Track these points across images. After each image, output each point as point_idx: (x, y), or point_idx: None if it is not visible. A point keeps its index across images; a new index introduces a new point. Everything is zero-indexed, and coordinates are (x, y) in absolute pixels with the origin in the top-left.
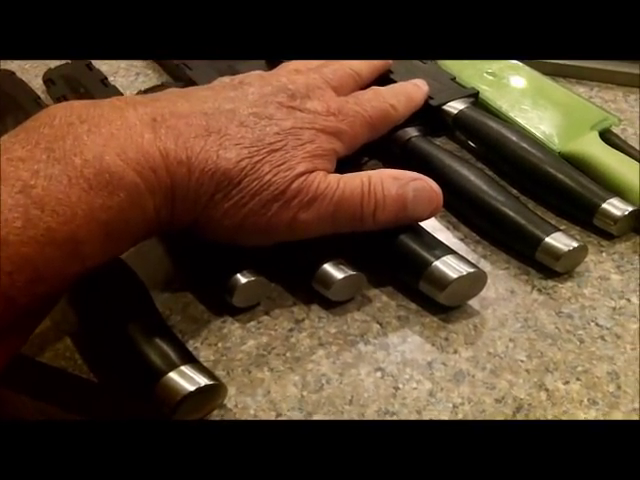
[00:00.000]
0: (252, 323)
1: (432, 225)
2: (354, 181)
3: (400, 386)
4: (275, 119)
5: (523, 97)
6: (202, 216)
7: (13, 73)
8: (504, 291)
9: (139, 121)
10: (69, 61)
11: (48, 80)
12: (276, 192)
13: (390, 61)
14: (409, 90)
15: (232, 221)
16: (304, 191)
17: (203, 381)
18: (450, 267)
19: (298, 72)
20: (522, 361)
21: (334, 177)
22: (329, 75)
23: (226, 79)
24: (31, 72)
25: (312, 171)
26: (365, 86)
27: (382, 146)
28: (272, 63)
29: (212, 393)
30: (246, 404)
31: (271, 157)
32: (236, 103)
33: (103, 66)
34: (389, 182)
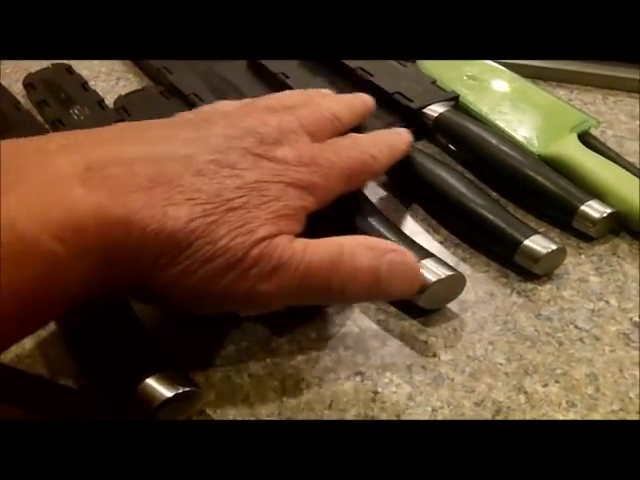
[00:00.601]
0: (231, 329)
1: (411, 228)
2: (323, 249)
3: (379, 390)
4: (238, 169)
5: (503, 100)
6: (142, 282)
7: None
8: (483, 294)
9: (69, 171)
10: (49, 65)
11: (28, 84)
12: (232, 259)
13: (373, 105)
14: (391, 139)
15: (178, 289)
16: (265, 259)
17: (181, 387)
18: (429, 270)
19: (271, 111)
20: (501, 364)
21: (300, 243)
22: (306, 118)
23: (190, 114)
24: (11, 76)
25: (276, 235)
26: (345, 132)
27: None
28: (253, 63)
29: (191, 399)
30: (225, 410)
31: (229, 217)
32: (195, 147)
33: (84, 70)
34: (362, 252)
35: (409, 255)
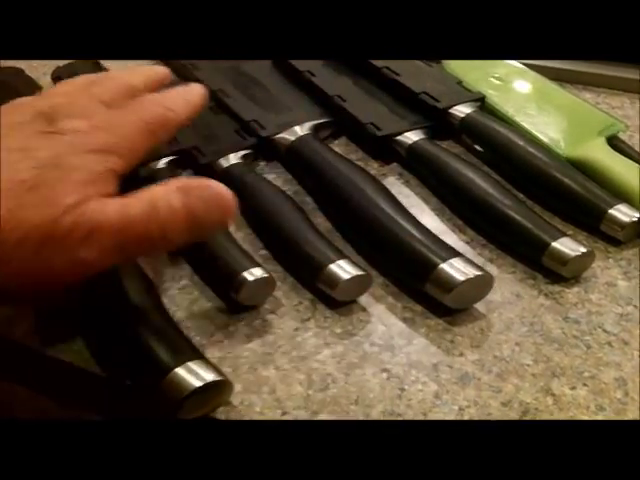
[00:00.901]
0: (258, 321)
1: (438, 228)
2: (137, 201)
3: (406, 387)
4: (30, 150)
5: (529, 102)
6: None
7: (22, 70)
8: (510, 295)
9: None
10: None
11: (57, 78)
12: (44, 236)
13: (167, 74)
14: (184, 92)
15: (2, 279)
16: (78, 226)
17: (210, 377)
18: (457, 269)
19: (63, 93)
20: (528, 365)
21: (113, 202)
22: (97, 91)
23: None
24: (39, 70)
25: (84, 201)
26: None
27: (386, 148)
28: (278, 62)
29: (218, 389)
30: (252, 402)
31: (31, 197)
32: None
33: (110, 64)
34: (173, 195)
35: (217, 185)
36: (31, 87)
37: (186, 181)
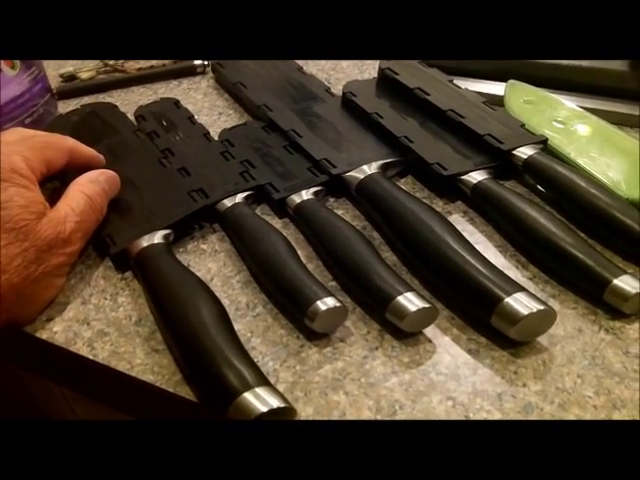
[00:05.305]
0: (328, 349)
1: (502, 264)
2: (78, 201)
3: (470, 415)
4: None
5: (591, 145)
6: None
7: (115, 106)
8: (572, 329)
9: None
10: (157, 99)
11: (139, 116)
12: (39, 248)
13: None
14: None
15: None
16: (61, 233)
17: (275, 403)
18: (521, 304)
19: None
20: (590, 397)
21: (62, 207)
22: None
23: None
24: (122, 109)
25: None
26: None
27: (451, 187)
28: (347, 103)
29: (282, 416)
30: None
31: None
32: None
33: (188, 105)
34: (93, 186)
35: (106, 171)
36: (123, 121)
37: (91, 173)
